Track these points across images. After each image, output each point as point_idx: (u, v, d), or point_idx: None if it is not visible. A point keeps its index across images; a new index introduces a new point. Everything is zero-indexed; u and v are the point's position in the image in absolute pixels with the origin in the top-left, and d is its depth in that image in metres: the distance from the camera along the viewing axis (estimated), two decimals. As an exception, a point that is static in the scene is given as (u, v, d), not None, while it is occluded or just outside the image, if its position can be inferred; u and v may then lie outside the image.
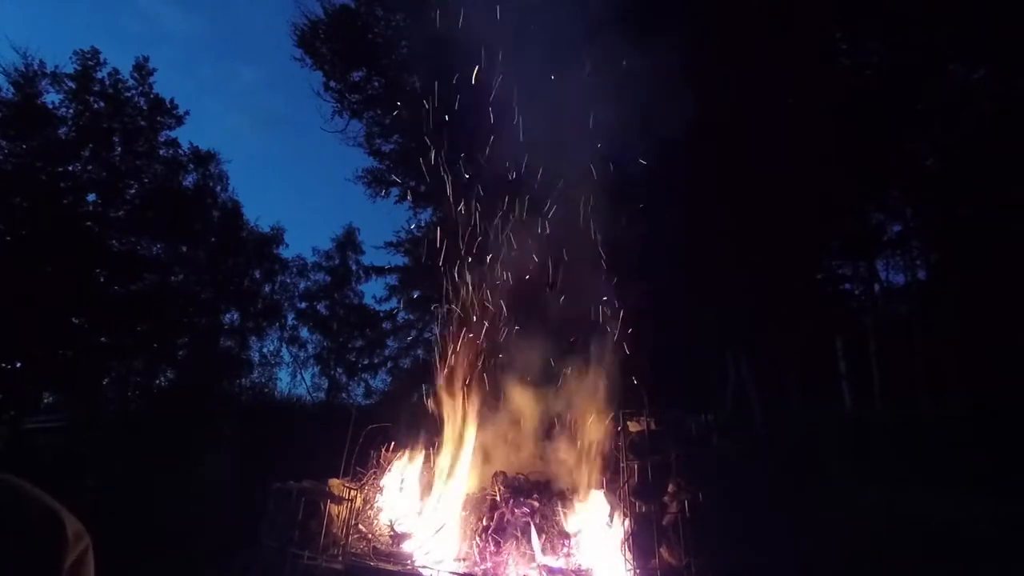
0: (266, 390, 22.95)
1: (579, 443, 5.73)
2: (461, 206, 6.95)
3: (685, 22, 10.27)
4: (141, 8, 75.17)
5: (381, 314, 24.06)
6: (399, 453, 5.97)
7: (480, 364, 6.33)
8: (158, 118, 18.62)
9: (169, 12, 76.46)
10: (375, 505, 5.57)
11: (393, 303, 23.60)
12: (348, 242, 24.98)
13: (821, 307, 16.43)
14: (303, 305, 24.52)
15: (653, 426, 5.18)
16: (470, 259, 6.77)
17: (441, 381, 6.14)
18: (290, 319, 24.33)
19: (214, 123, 71.70)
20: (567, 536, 5.15)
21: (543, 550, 4.93)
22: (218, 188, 21.40)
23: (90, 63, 17.50)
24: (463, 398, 6.10)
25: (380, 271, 23.39)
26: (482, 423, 6.12)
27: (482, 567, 4.79)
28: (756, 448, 10.03)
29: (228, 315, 22.49)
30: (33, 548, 0.75)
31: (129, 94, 18.12)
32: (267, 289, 23.72)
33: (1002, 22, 11.30)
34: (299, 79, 61.71)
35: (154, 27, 73.28)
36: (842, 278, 19.14)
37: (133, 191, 18.32)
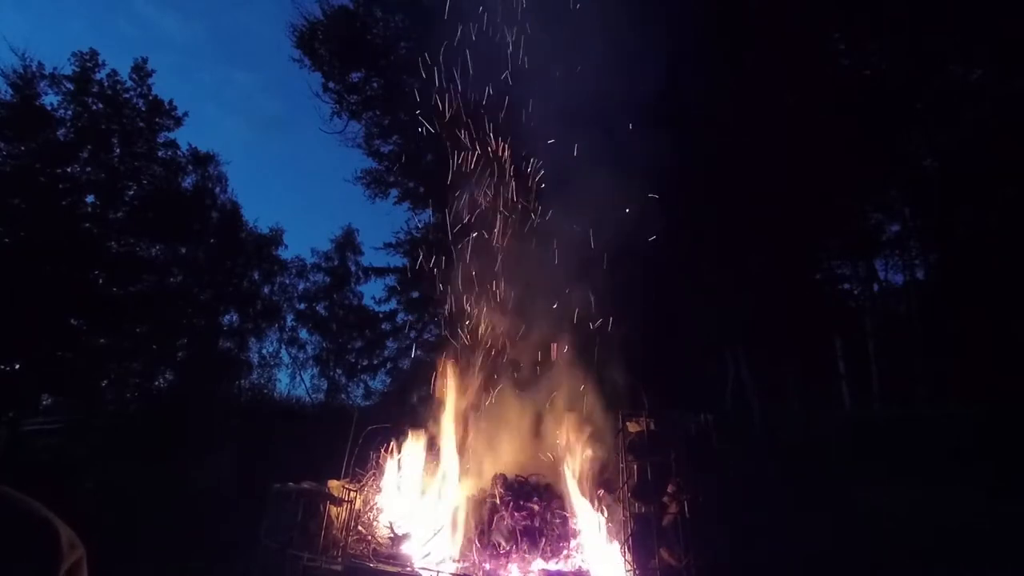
0: (265, 391, 23.01)
1: (578, 444, 5.71)
2: (459, 205, 6.94)
3: (685, 21, 10.27)
4: (139, 14, 75.25)
5: (380, 315, 24.12)
6: (399, 454, 5.95)
7: (479, 366, 6.32)
8: (157, 119, 18.59)
9: (167, 18, 76.60)
10: (375, 507, 5.56)
11: (392, 304, 23.65)
12: (347, 243, 25.03)
13: (821, 307, 16.43)
14: (302, 306, 24.60)
15: (652, 426, 5.16)
16: (468, 259, 6.77)
17: (440, 382, 6.13)
18: (289, 320, 24.42)
19: (212, 127, 71.95)
20: (567, 538, 5.14)
21: (543, 552, 4.93)
22: (217, 189, 21.48)
23: (88, 65, 17.48)
24: (462, 400, 6.10)
25: (379, 272, 23.46)
26: (482, 425, 6.11)
27: (481, 569, 4.79)
28: (756, 448, 10.04)
29: (227, 316, 22.55)
30: (27, 559, 0.74)
31: (128, 95, 18.11)
32: (266, 290, 23.78)
33: (1001, 22, 11.31)
34: (297, 82, 61.67)
35: (152, 33, 73.42)
36: (841, 278, 19.18)
37: (132, 192, 18.31)
